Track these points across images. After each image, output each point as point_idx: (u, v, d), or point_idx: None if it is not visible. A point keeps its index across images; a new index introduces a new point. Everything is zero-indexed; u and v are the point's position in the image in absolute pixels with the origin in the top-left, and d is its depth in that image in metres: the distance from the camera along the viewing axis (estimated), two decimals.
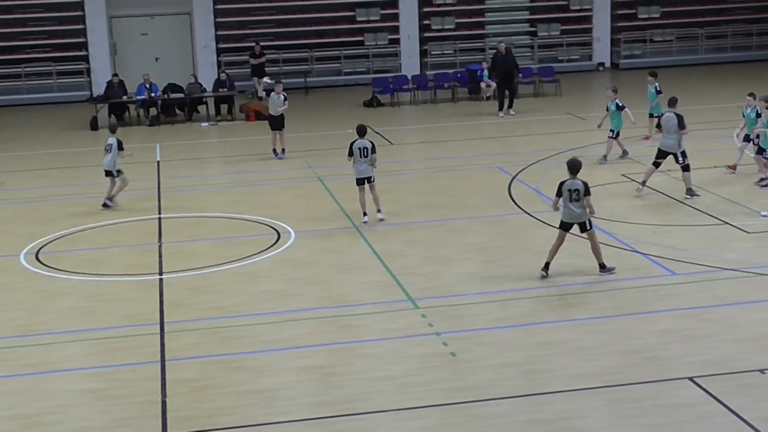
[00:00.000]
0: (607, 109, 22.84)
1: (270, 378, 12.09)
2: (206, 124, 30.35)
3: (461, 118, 29.39)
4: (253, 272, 16.07)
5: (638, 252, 16.20)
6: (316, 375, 12.08)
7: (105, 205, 20.10)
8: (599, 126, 23.29)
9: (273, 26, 36.88)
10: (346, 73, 36.72)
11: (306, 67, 36.37)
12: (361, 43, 36.91)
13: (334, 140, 26.61)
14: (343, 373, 12.10)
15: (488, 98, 31.92)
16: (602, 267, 15.18)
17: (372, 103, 32.11)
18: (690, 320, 13.34)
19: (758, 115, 20.82)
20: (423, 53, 37.21)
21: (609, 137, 22.56)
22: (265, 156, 24.80)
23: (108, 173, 20.26)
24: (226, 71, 32.57)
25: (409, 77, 33.74)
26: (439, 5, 37.42)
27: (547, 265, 15.20)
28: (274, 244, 17.49)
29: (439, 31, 37.35)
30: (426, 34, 37.29)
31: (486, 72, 32.22)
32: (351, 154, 18.21)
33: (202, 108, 31.64)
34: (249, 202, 20.47)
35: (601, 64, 38.15)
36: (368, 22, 37.03)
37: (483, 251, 16.66)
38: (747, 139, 20.82)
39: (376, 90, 32.58)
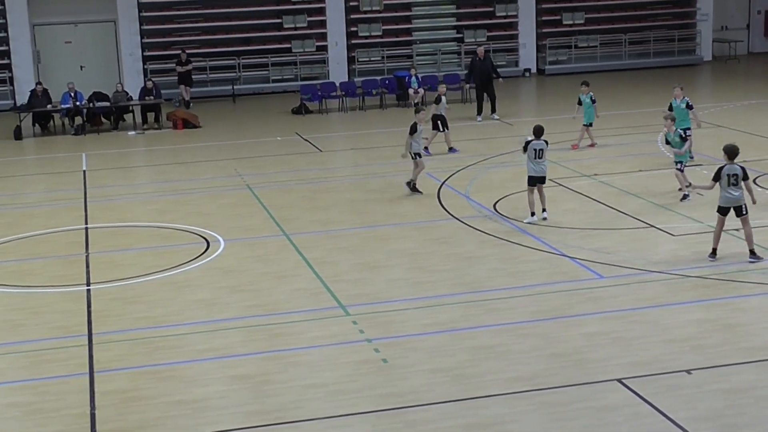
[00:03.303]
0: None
1: (201, 388, 11.98)
2: (133, 132, 30.03)
3: (390, 125, 29.46)
4: (183, 281, 15.93)
5: (566, 256, 16.38)
6: (248, 384, 12.01)
7: None
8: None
9: (200, 33, 36.65)
10: (274, 81, 36.60)
11: (233, 74, 36.18)
12: (289, 50, 36.82)
13: (263, 148, 26.57)
14: (275, 382, 12.05)
15: (416, 104, 32.03)
16: (752, 254, 15.56)
17: (300, 110, 32.06)
18: (618, 322, 13.52)
19: (689, 106, 21.47)
20: (351, 60, 37.25)
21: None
22: (193, 164, 24.61)
23: None
24: (153, 79, 32.28)
25: (337, 84, 33.74)
26: (366, 12, 37.49)
27: (714, 251, 15.66)
28: (203, 252, 17.35)
29: (366, 37, 37.42)
30: (353, 41, 37.34)
31: (414, 78, 32.36)
32: (525, 150, 18.32)
33: (128, 116, 31.32)
34: (177, 210, 20.30)
35: (527, 70, 38.55)
36: (295, 29, 36.95)
37: (412, 257, 16.71)
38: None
39: (304, 97, 32.52)
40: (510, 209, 19.18)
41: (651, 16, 40.09)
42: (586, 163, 22.45)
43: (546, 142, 18.20)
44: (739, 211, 15.60)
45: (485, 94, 29.69)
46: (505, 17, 38.66)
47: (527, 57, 38.84)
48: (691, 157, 21.27)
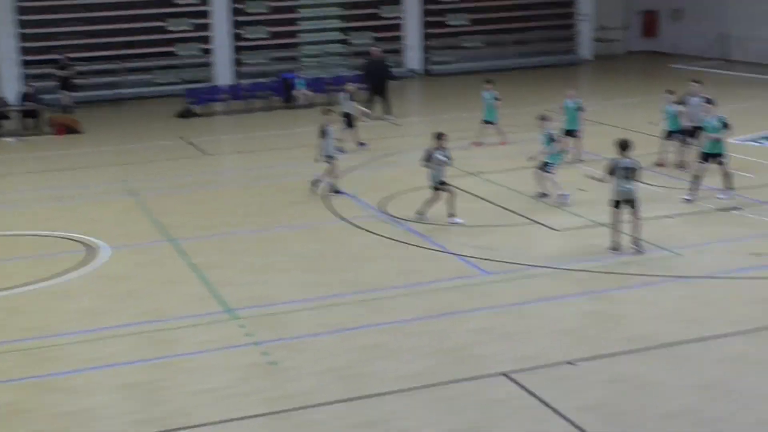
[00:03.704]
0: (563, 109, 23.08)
1: (88, 398, 11.78)
2: (12, 139, 29.30)
3: (277, 127, 29.38)
4: (67, 290, 15.63)
5: (452, 253, 16.57)
6: (136, 392, 11.85)
7: None
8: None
9: (81, 37, 35.95)
10: (159, 84, 36.15)
11: (116, 78, 35.60)
12: (173, 53, 36.41)
13: (148, 153, 26.22)
14: (163, 389, 11.92)
15: (303, 107, 32.05)
16: (636, 245, 16.04)
17: (185, 113, 31.72)
18: (504, 318, 13.74)
19: (579, 108, 22.01)
20: (236, 63, 37.02)
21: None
22: (76, 170, 24.16)
23: None
24: (33, 84, 31.54)
25: (223, 87, 33.48)
26: (251, 14, 37.29)
27: (614, 244, 16.11)
28: (89, 260, 17.05)
29: (252, 40, 37.23)
30: (239, 44, 37.12)
31: (301, 81, 32.34)
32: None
33: (8, 123, 30.53)
34: (61, 218, 19.89)
35: (413, 71, 38.84)
36: (179, 32, 36.57)
37: (302, 259, 16.71)
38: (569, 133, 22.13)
39: (190, 100, 32.20)
40: (398, 209, 19.32)
41: (533, 17, 40.80)
42: (472, 162, 22.72)
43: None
44: (631, 204, 16.03)
45: (378, 96, 29.81)
46: (390, 19, 38.88)
47: (413, 58, 39.14)
48: (582, 161, 21.81)
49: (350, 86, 26.21)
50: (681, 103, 21.22)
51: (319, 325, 13.72)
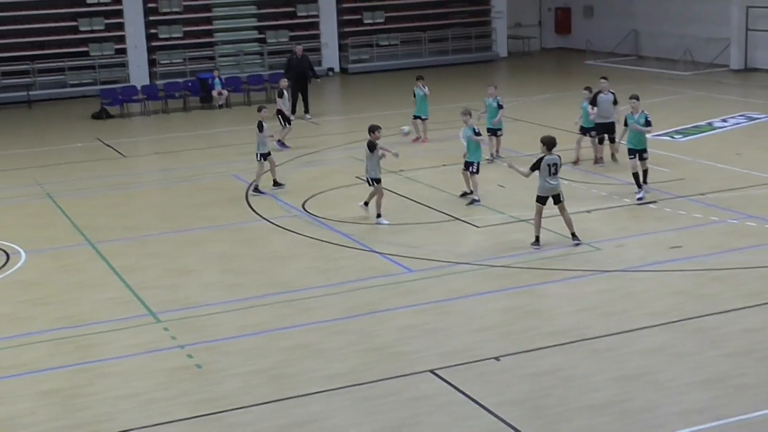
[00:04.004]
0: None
1: (8, 405, 11.55)
2: None
3: (195, 128, 29.10)
4: None
5: (375, 252, 16.61)
6: (58, 398, 11.65)
7: None
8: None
9: None
10: (72, 85, 35.51)
11: (28, 80, 34.91)
12: (87, 53, 35.82)
13: (63, 155, 25.77)
14: (85, 395, 11.73)
15: (221, 106, 31.82)
16: (574, 236, 16.37)
17: (101, 115, 31.22)
18: (429, 314, 13.82)
19: (500, 106, 22.14)
20: (152, 63, 36.58)
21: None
22: None
23: None
24: None
25: (139, 87, 33.06)
26: (165, 13, 36.88)
27: (537, 239, 16.27)
28: (2, 266, 16.71)
29: (166, 39, 36.83)
30: (154, 43, 36.68)
31: (218, 80, 32.08)
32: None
33: None
34: None
35: (331, 69, 38.81)
36: (92, 32, 36.01)
37: (224, 260, 16.59)
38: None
39: (105, 101, 31.72)
40: (319, 208, 19.29)
41: (449, 15, 41.06)
42: (392, 160, 22.75)
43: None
44: (557, 199, 16.29)
45: (300, 94, 29.68)
46: (306, 17, 38.79)
47: (330, 56, 39.10)
48: (491, 159, 22.01)
49: (284, 82, 26.22)
50: (593, 100, 21.47)
51: (243, 327, 13.64)
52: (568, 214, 16.46)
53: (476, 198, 19.04)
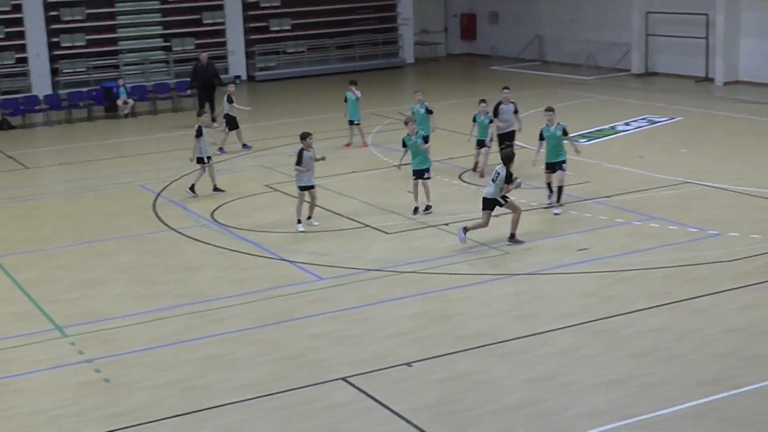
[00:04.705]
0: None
1: None
2: None
3: (100, 137, 28.68)
4: None
5: (285, 260, 16.57)
6: None
7: None
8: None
9: None
10: None
11: None
12: None
13: None
14: None
15: (126, 116, 31.42)
16: (512, 237, 16.84)
17: (2, 125, 30.55)
18: (340, 322, 13.83)
19: (428, 111, 21.97)
20: (54, 72, 35.90)
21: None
22: None
23: None
24: None
25: (41, 97, 32.45)
26: (67, 21, 36.23)
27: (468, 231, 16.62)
28: None
29: (69, 48, 36.19)
30: (56, 52, 36.01)
31: (122, 89, 31.67)
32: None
33: None
34: None
35: (238, 77, 38.58)
36: None
37: (133, 271, 16.39)
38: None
39: (6, 112, 31.05)
40: (229, 217, 19.17)
41: (355, 21, 41.14)
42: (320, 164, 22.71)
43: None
44: (497, 203, 16.65)
45: (207, 102, 29.41)
46: (212, 24, 38.51)
47: (237, 64, 38.88)
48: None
49: (231, 87, 26.24)
50: (496, 111, 21.40)
51: (152, 339, 13.48)
52: (518, 215, 16.87)
53: (430, 204, 18.82)
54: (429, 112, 22.37)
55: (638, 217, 18.05)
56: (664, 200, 19.17)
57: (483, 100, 21.36)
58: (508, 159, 16.75)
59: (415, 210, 18.73)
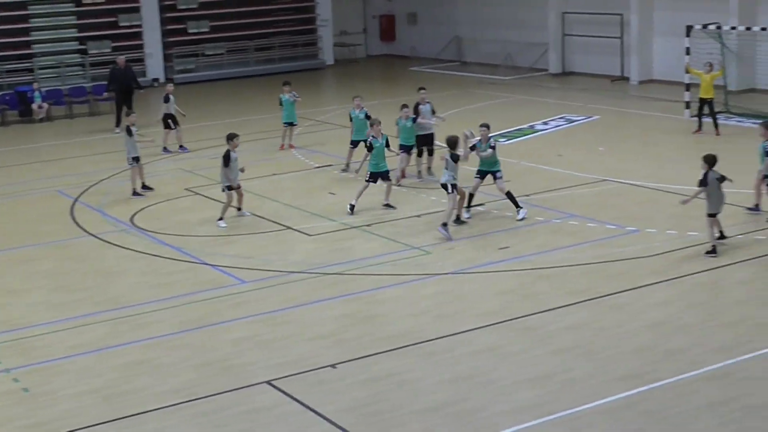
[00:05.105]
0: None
1: None
2: None
3: (15, 142, 28.15)
4: None
5: (207, 264, 16.46)
6: None
7: None
8: None
9: None
10: None
11: None
12: None
13: None
14: None
15: (42, 120, 30.89)
16: (458, 219, 17.78)
17: None
18: (263, 325, 13.79)
19: (368, 117, 21.76)
20: None
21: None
22: None
23: None
24: None
25: None
26: None
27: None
28: None
29: None
30: None
31: (37, 93, 31.14)
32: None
33: None
34: None
35: (156, 79, 38.19)
36: None
37: (52, 278, 16.14)
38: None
39: None
40: (148, 221, 18.98)
41: (275, 23, 41.00)
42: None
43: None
44: (446, 189, 17.32)
45: (125, 106, 28.97)
46: (129, 27, 38.04)
47: (155, 67, 38.48)
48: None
49: (170, 86, 26.09)
50: (416, 111, 21.37)
51: (73, 347, 13.30)
52: (453, 202, 17.33)
53: (388, 202, 19.14)
54: (368, 117, 22.16)
55: (558, 215, 18.30)
56: (583, 198, 19.47)
57: (405, 105, 21.36)
58: (453, 143, 17.44)
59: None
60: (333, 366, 12.32)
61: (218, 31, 39.69)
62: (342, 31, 43.46)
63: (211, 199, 20.22)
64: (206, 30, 39.45)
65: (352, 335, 13.32)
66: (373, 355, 12.62)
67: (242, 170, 18.72)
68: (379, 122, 19.72)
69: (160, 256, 16.92)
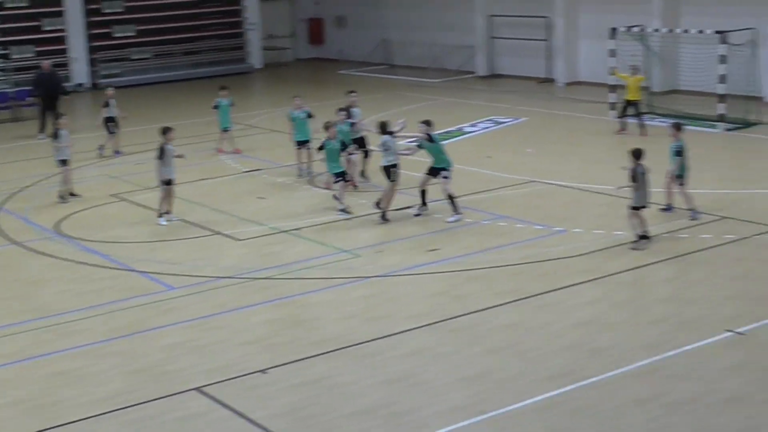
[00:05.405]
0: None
1: None
2: None
3: None
4: None
5: (135, 270, 16.27)
6: None
7: None
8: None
9: None
10: None
11: None
12: None
13: None
14: None
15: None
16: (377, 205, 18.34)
17: None
18: (194, 331, 13.66)
19: (309, 116, 21.68)
20: None
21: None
22: None
23: None
24: None
25: None
26: None
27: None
28: None
29: None
30: None
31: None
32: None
33: None
34: None
35: (80, 84, 37.69)
36: None
37: None
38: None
39: None
40: (73, 228, 18.70)
41: (202, 27, 40.71)
42: (149, 176, 22.35)
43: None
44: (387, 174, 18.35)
45: (51, 111, 28.48)
46: (52, 31, 37.50)
47: (80, 71, 37.97)
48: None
49: (110, 91, 25.98)
50: (348, 116, 21.35)
51: None
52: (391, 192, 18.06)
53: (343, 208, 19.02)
54: (310, 116, 22.13)
55: (487, 217, 18.42)
56: (512, 199, 19.63)
57: (341, 109, 21.26)
58: (383, 127, 18.72)
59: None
60: (264, 371, 12.24)
61: (145, 36, 39.30)
62: (270, 35, 43.31)
63: (138, 205, 19.99)
64: (132, 34, 39.05)
65: (283, 339, 13.26)
66: (304, 359, 12.57)
67: (181, 156, 18.73)
68: (335, 124, 19.69)
69: (87, 264, 16.69)
